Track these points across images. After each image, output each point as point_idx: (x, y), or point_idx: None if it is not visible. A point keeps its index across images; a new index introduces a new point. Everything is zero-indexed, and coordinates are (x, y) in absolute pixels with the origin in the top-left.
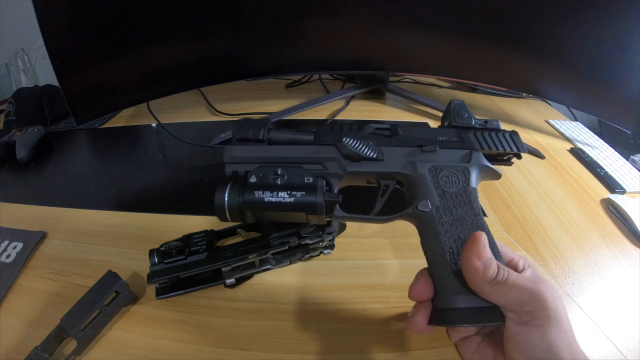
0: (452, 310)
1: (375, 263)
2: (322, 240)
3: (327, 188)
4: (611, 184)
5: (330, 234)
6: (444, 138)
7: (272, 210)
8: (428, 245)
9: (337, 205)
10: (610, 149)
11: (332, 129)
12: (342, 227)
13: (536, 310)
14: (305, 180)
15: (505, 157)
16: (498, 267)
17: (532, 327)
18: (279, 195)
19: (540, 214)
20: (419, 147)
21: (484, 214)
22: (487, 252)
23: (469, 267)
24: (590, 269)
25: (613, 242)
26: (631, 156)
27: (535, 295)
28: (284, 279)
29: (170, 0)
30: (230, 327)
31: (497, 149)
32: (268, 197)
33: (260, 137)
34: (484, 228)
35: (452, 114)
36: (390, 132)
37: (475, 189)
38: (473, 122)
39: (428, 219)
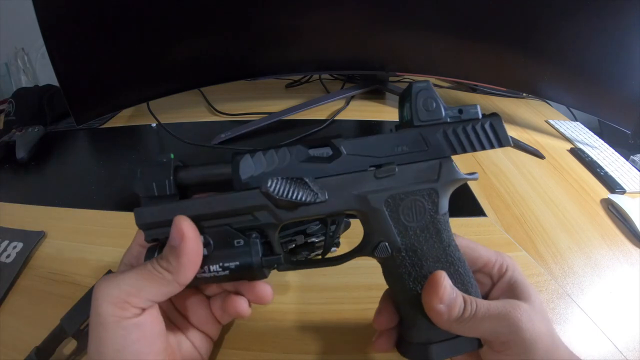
0: (424, 346)
1: (375, 263)
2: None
3: (264, 240)
4: (611, 184)
5: (332, 231)
6: (404, 148)
7: (206, 283)
8: (392, 285)
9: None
10: (610, 149)
11: (253, 161)
12: (347, 225)
13: (510, 341)
14: (236, 244)
15: None
16: (465, 302)
17: (506, 355)
18: (211, 270)
19: (540, 214)
20: (372, 168)
21: (484, 214)
22: (449, 293)
23: (432, 312)
24: (590, 269)
25: (613, 242)
26: (631, 156)
27: (509, 324)
28: (284, 279)
29: (170, 1)
30: (230, 327)
31: (474, 149)
32: (199, 273)
33: (169, 193)
34: (455, 260)
35: (416, 106)
36: (332, 153)
37: (445, 214)
38: (443, 115)
39: (389, 262)
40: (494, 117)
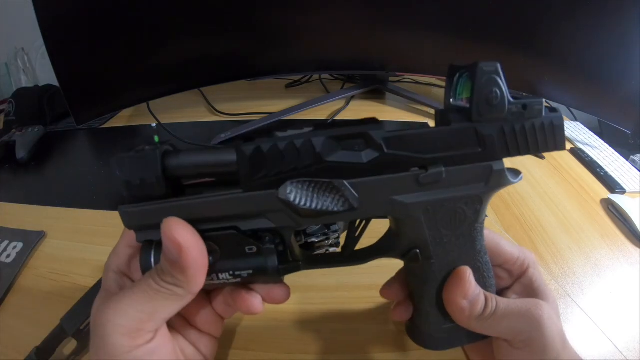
0: (432, 336)
1: (375, 263)
2: (328, 239)
3: (278, 241)
4: (611, 184)
5: (335, 231)
6: (454, 146)
7: (217, 288)
8: (413, 285)
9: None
10: (610, 149)
11: (263, 156)
12: (347, 225)
13: (531, 339)
14: (248, 252)
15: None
16: (486, 300)
17: (525, 352)
18: (220, 278)
19: (540, 214)
20: (414, 171)
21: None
22: (473, 289)
23: (454, 307)
24: (590, 269)
25: (613, 242)
26: (631, 156)
27: (531, 322)
28: (283, 279)
29: (170, 1)
30: (230, 327)
31: (529, 152)
32: (207, 282)
33: (154, 194)
34: (483, 265)
35: (479, 97)
36: (367, 149)
37: (483, 222)
38: (506, 110)
39: (416, 267)
40: (556, 116)
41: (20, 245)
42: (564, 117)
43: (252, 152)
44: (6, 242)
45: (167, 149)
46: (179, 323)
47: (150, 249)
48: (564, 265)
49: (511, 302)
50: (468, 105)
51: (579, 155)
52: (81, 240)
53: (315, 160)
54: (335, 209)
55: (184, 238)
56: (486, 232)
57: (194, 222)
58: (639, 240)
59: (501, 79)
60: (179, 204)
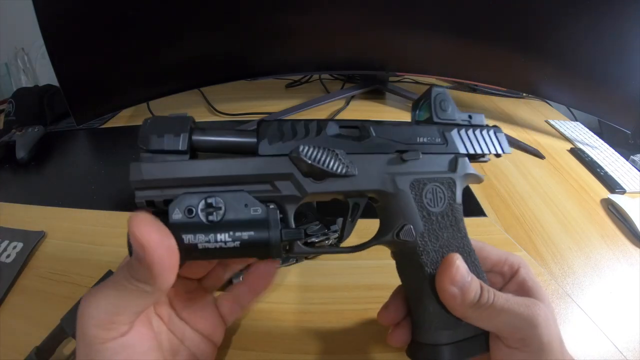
0: (435, 347)
1: (375, 263)
2: (328, 238)
3: (281, 216)
4: (611, 184)
5: (335, 231)
6: (426, 139)
7: (209, 257)
8: (409, 276)
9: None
10: (610, 149)
11: (281, 130)
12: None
13: (528, 338)
14: (252, 213)
15: (485, 156)
16: (482, 289)
17: (522, 352)
18: (218, 239)
19: (540, 214)
20: (397, 153)
21: (484, 214)
22: (462, 275)
23: (444, 294)
24: (590, 269)
25: (613, 242)
26: (631, 156)
27: (528, 321)
28: (284, 279)
29: (170, 1)
30: (230, 327)
31: (482, 151)
32: (202, 242)
33: (180, 148)
34: (471, 250)
35: (434, 105)
36: (360, 133)
37: (461, 205)
38: (456, 117)
39: (410, 249)
40: (496, 128)
41: (20, 245)
42: (564, 117)
43: (271, 126)
44: (6, 242)
45: (192, 126)
46: (179, 329)
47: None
48: (564, 265)
49: (511, 298)
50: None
51: (579, 155)
52: (81, 240)
53: (321, 135)
54: (339, 170)
55: (147, 237)
56: (471, 240)
57: (207, 183)
58: (639, 240)
59: (449, 97)
60: (195, 164)
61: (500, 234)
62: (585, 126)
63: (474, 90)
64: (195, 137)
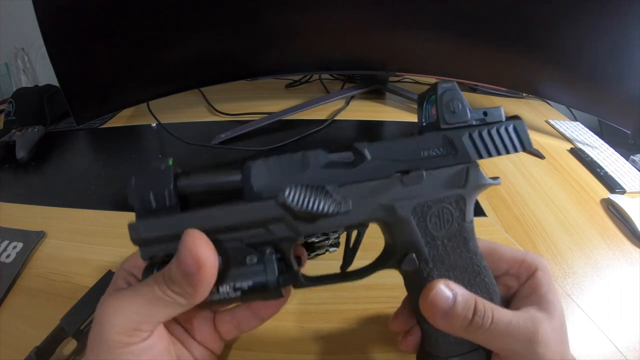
0: (441, 359)
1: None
2: (328, 239)
3: (279, 256)
4: (611, 184)
5: (335, 231)
6: (430, 152)
7: (214, 307)
8: (414, 295)
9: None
10: (610, 149)
11: (268, 168)
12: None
13: (527, 358)
14: (249, 262)
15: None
16: (476, 311)
17: None
18: (220, 291)
19: (540, 214)
20: (397, 174)
21: (484, 214)
22: (442, 303)
23: (431, 321)
24: (590, 269)
25: (613, 242)
26: (631, 156)
27: (527, 344)
28: None
29: (170, 1)
30: None
31: (498, 154)
32: (208, 295)
33: (168, 205)
34: (481, 269)
35: (441, 107)
36: (354, 157)
37: (472, 222)
38: (469, 117)
39: (415, 273)
40: (517, 120)
41: (20, 245)
42: (564, 117)
43: (255, 163)
44: (6, 242)
45: (178, 171)
46: (180, 333)
47: (152, 270)
48: (564, 265)
49: (512, 321)
50: (436, 118)
51: (579, 155)
52: (81, 240)
53: (310, 168)
54: (330, 210)
55: (205, 254)
56: (482, 242)
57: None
58: (639, 240)
59: (459, 93)
60: (187, 216)
61: (500, 234)
62: (585, 126)
63: (474, 90)
64: (181, 184)
